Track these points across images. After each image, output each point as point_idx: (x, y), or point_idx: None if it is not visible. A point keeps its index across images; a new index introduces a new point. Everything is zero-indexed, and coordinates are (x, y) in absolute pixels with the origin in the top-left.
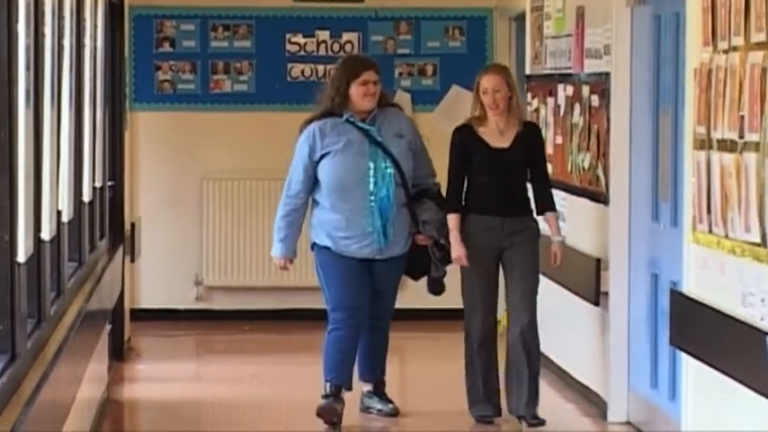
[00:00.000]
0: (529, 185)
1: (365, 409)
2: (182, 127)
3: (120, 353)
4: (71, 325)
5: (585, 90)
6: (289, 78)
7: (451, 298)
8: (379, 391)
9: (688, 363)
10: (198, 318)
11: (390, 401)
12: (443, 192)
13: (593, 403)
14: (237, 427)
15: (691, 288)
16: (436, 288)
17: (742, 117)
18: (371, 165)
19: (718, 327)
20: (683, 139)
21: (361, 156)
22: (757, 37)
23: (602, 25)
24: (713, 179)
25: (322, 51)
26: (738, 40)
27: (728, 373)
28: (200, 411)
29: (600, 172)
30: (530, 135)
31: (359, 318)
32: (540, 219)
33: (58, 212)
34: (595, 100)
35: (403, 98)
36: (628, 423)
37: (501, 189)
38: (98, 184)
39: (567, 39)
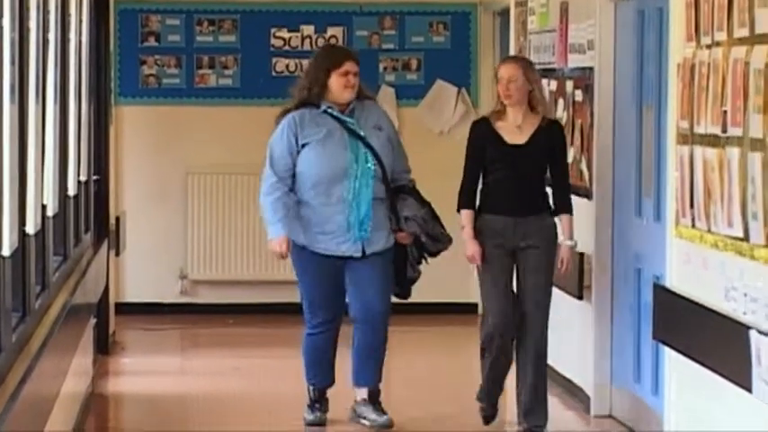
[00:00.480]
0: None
1: (356, 418)
2: (167, 121)
3: (104, 346)
4: (56, 319)
5: (569, 85)
6: (273, 73)
7: (432, 292)
8: (373, 400)
9: (671, 357)
10: (182, 311)
11: (385, 412)
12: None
13: (577, 397)
14: (222, 420)
15: (674, 282)
16: (406, 291)
17: (725, 112)
18: (353, 157)
19: (702, 321)
20: (666, 133)
21: (341, 148)
22: (740, 32)
23: (585, 20)
24: (696, 174)
25: (307, 46)
26: (721, 36)
27: (711, 368)
28: (184, 405)
29: (584, 167)
30: (550, 133)
31: (333, 322)
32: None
33: (43, 206)
34: (579, 95)
35: (387, 93)
36: (610, 416)
37: (515, 187)
38: (83, 178)
39: (550, 34)
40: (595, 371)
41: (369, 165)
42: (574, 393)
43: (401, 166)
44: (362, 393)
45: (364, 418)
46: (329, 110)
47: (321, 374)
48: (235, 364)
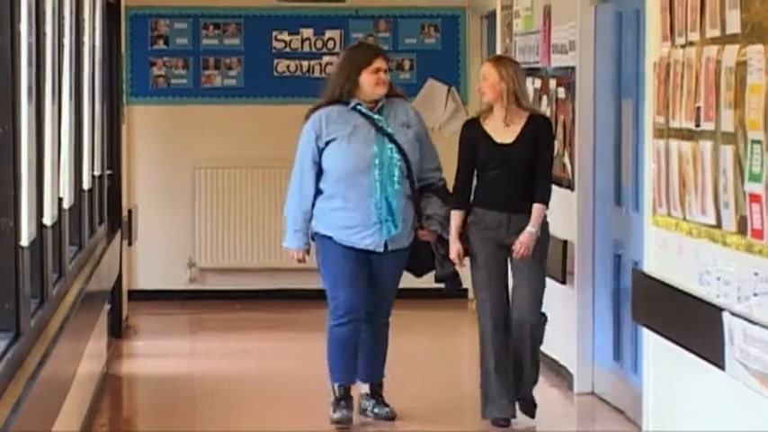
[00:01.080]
0: None
1: (362, 411)
2: (175, 119)
3: (118, 331)
4: (72, 305)
5: (552, 83)
6: (275, 73)
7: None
8: (376, 394)
9: (649, 337)
10: (191, 298)
11: (387, 405)
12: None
13: (561, 375)
14: (230, 400)
15: (651, 267)
16: (451, 286)
17: (698, 108)
18: (378, 153)
19: (678, 304)
20: (643, 128)
21: (368, 143)
22: (712, 33)
23: (567, 22)
24: (671, 165)
25: (306, 48)
26: (694, 36)
27: (687, 347)
28: (193, 385)
29: (566, 159)
30: (536, 128)
31: (358, 314)
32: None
33: (60, 199)
34: (561, 92)
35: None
36: (593, 394)
37: (507, 185)
38: (97, 173)
39: (534, 35)
40: (578, 351)
41: (394, 161)
42: (558, 372)
43: (432, 164)
44: (365, 388)
45: (369, 411)
46: (358, 107)
47: (347, 370)
48: (241, 347)
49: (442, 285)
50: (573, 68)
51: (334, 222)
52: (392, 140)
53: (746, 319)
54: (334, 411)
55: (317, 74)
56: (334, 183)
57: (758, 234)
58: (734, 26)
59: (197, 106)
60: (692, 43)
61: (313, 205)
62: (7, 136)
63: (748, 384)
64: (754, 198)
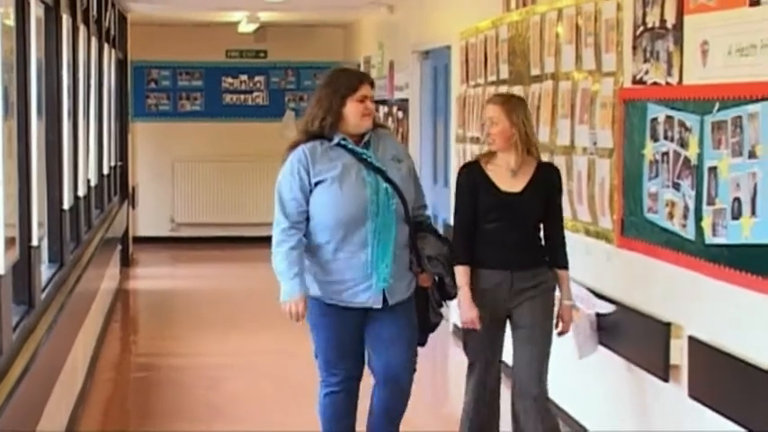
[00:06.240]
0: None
1: None
2: (161, 131)
3: (126, 261)
4: (96, 246)
5: (395, 109)
6: (224, 103)
7: None
8: None
9: None
10: (172, 241)
11: None
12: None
13: None
14: (199, 304)
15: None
16: (425, 338)
17: (483, 124)
18: (373, 196)
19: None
20: (450, 136)
21: (360, 186)
22: (491, 78)
23: (403, 71)
24: (467, 160)
25: (243, 87)
26: (480, 80)
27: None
28: (174, 295)
29: None
30: (547, 178)
31: (353, 380)
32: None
33: (88, 180)
34: (400, 114)
35: (290, 114)
36: None
37: (511, 239)
38: (112, 164)
39: (384, 79)
40: None
41: (391, 203)
42: None
43: (420, 201)
44: None
45: None
46: (343, 142)
47: None
48: (203, 272)
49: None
50: (407, 100)
51: (321, 277)
52: (385, 179)
53: None
54: None
55: (249, 103)
56: (325, 233)
57: None
58: (504, 74)
59: (175, 123)
60: (479, 84)
61: None
62: (53, 142)
63: None
64: None
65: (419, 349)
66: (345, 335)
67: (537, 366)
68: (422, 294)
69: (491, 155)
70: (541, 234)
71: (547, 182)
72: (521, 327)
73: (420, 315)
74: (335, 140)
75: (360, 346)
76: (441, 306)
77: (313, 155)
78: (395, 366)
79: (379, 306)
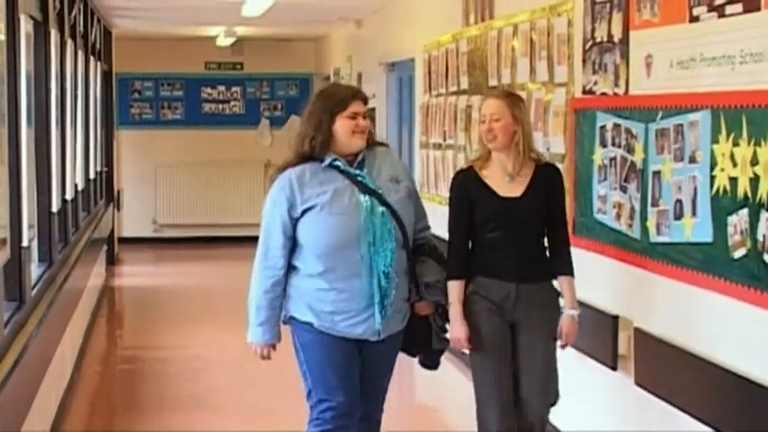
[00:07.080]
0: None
1: None
2: (144, 139)
3: (112, 261)
4: (83, 246)
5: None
6: (203, 112)
7: None
8: None
9: None
10: (155, 242)
11: None
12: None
13: None
14: (180, 300)
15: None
16: (435, 362)
17: (444, 131)
18: (368, 221)
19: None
20: (414, 142)
21: (353, 210)
22: (452, 88)
23: (371, 82)
24: (430, 164)
25: (221, 97)
26: (443, 90)
27: None
28: (156, 292)
29: None
30: (548, 180)
31: (350, 413)
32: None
33: (75, 184)
34: (369, 123)
35: (264, 123)
36: None
37: (513, 248)
38: (98, 169)
39: None
40: None
41: (388, 228)
42: None
43: (421, 223)
44: None
45: None
46: (335, 162)
47: None
48: (184, 270)
49: (426, 363)
50: (374, 109)
51: (316, 306)
52: (382, 202)
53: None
54: None
55: (227, 112)
56: (315, 260)
57: None
58: (464, 84)
59: (157, 131)
60: (441, 94)
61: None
62: (43, 149)
63: None
64: None
65: (430, 372)
66: (341, 361)
67: (545, 395)
68: (423, 323)
69: (485, 159)
70: (546, 243)
71: (548, 183)
72: (526, 351)
73: (424, 341)
74: (327, 161)
75: (355, 378)
76: (444, 331)
77: (301, 180)
78: (373, 406)
79: (376, 339)
